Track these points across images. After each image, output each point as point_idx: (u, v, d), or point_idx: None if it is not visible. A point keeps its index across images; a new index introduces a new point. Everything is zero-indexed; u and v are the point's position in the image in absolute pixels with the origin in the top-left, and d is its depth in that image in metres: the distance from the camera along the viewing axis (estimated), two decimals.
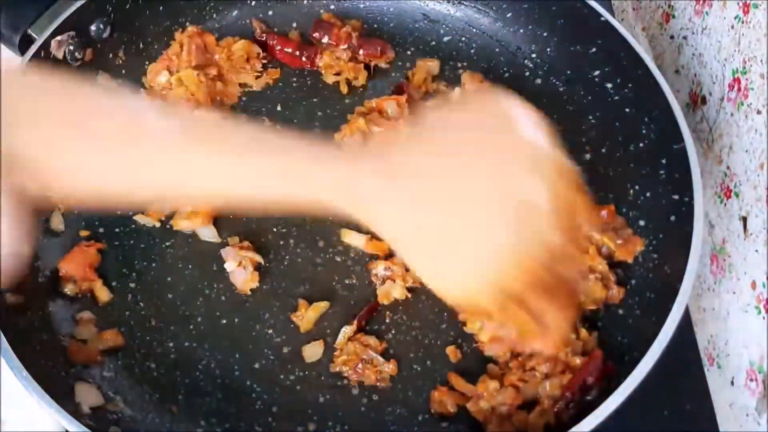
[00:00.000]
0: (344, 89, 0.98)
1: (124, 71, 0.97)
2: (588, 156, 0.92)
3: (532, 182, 0.57)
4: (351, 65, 0.98)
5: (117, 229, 0.88)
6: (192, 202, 0.80)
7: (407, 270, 0.83)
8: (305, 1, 1.05)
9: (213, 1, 1.02)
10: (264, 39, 1.01)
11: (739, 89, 0.84)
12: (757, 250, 0.80)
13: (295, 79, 1.00)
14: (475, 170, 0.57)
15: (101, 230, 0.88)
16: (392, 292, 0.83)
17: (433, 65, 1.00)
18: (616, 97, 0.92)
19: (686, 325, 0.89)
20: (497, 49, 1.02)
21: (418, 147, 0.59)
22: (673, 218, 0.80)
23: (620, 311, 0.80)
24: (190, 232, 0.88)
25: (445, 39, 1.04)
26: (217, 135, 0.59)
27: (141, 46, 0.98)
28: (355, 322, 0.81)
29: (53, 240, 0.86)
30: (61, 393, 0.70)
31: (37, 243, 0.83)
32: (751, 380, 0.80)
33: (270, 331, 0.82)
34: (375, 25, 1.04)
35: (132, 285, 0.84)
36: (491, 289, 0.57)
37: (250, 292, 0.84)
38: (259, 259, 0.85)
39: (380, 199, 0.58)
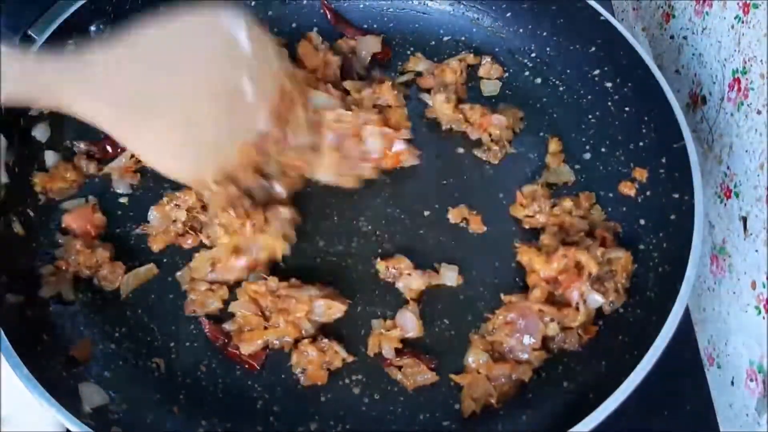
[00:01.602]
0: None
1: None
2: (588, 155, 0.92)
3: (241, 78, 0.71)
4: None
5: (117, 229, 0.88)
6: None
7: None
8: (305, 1, 1.05)
9: (212, 2, 1.02)
10: None
11: (739, 89, 0.84)
12: (757, 250, 0.80)
13: None
14: (193, 70, 0.70)
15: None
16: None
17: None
18: (616, 97, 0.92)
19: (686, 325, 0.89)
20: (497, 49, 1.02)
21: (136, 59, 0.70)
22: (673, 217, 0.80)
23: (621, 310, 0.80)
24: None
25: (445, 39, 1.04)
26: None
27: None
28: None
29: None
30: (62, 392, 0.70)
31: None
32: (751, 380, 0.80)
33: None
34: (375, 26, 1.04)
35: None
36: (210, 167, 0.73)
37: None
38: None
39: (105, 86, 0.67)
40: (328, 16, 1.03)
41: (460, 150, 0.94)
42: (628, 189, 0.87)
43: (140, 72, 0.69)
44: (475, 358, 0.78)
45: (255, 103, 0.71)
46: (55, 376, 0.74)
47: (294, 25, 1.04)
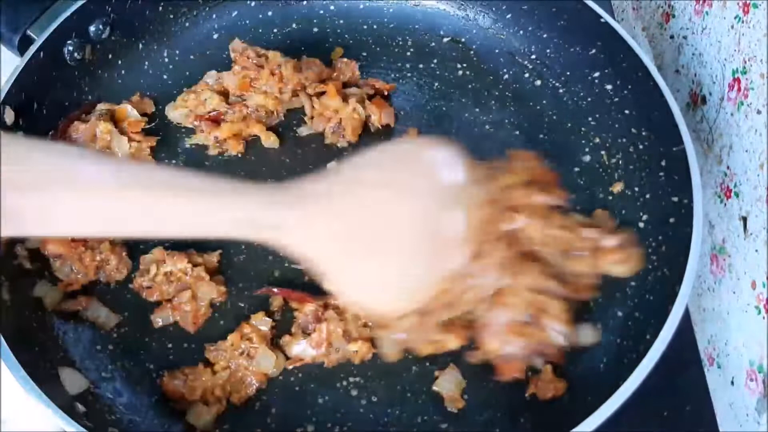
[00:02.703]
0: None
1: (123, 71, 0.97)
2: (587, 158, 0.92)
3: (445, 218, 0.66)
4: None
5: None
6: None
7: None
8: (305, 2, 1.05)
9: (213, 1, 1.02)
10: None
11: (739, 89, 0.84)
12: (757, 250, 0.80)
13: None
14: (398, 209, 0.65)
15: None
16: None
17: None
18: (616, 99, 0.92)
19: (686, 325, 0.89)
20: (497, 50, 1.02)
21: (350, 188, 0.65)
22: (672, 220, 0.80)
23: (619, 313, 0.80)
24: None
25: (445, 40, 1.04)
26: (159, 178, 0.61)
27: (140, 46, 0.99)
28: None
29: None
30: (58, 393, 0.70)
31: None
32: (751, 380, 0.80)
33: None
34: (375, 26, 1.05)
35: (129, 286, 0.84)
36: (407, 307, 0.68)
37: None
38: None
39: (317, 235, 0.63)
40: None
41: None
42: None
43: (357, 207, 0.64)
44: None
45: (457, 240, 0.66)
46: (51, 377, 0.74)
47: (294, 25, 1.04)
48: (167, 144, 0.94)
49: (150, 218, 0.58)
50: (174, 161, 0.93)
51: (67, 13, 0.90)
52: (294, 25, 1.04)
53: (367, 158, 0.67)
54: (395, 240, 0.64)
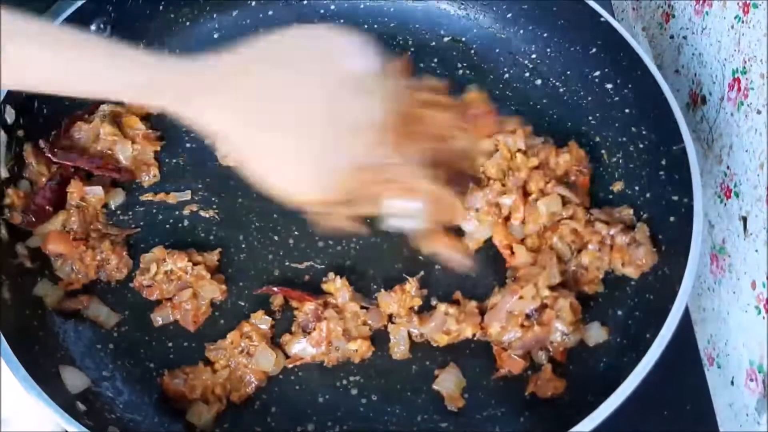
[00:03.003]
0: None
1: None
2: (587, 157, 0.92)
3: (358, 105, 0.66)
4: None
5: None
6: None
7: None
8: (305, 1, 1.05)
9: (213, 1, 1.02)
10: None
11: (739, 89, 0.84)
12: (757, 250, 0.80)
13: None
14: (309, 93, 0.65)
15: None
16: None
17: None
18: (616, 98, 0.92)
19: (686, 325, 0.89)
20: (497, 50, 1.02)
21: (255, 63, 0.66)
22: (672, 219, 0.80)
23: (619, 312, 0.80)
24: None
25: (445, 39, 1.04)
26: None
27: (141, 46, 0.98)
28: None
29: None
30: (60, 392, 0.71)
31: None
32: (751, 380, 0.80)
33: None
34: (375, 26, 1.05)
35: (130, 284, 0.84)
36: (320, 194, 0.67)
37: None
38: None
39: (235, 96, 0.64)
40: None
41: None
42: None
43: (267, 81, 0.65)
44: None
45: (373, 129, 0.66)
46: (52, 376, 0.74)
47: (295, 25, 1.04)
48: (170, 143, 0.94)
49: (53, 72, 0.59)
50: (175, 160, 0.93)
51: (68, 13, 0.90)
52: (295, 25, 1.04)
53: (275, 39, 0.68)
54: (303, 120, 0.65)
